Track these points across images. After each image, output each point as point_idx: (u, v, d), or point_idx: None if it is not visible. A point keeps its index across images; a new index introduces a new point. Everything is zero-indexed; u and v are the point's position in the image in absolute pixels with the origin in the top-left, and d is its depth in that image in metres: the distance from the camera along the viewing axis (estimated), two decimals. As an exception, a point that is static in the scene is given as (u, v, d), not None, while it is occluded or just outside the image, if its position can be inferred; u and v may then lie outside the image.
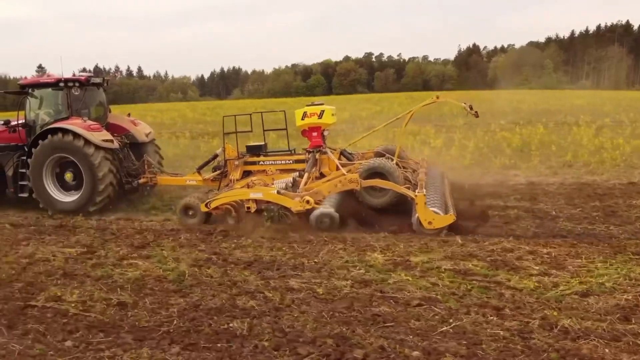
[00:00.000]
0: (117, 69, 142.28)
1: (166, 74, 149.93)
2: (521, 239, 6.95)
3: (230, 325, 4.76)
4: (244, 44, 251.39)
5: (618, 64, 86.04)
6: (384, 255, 6.42)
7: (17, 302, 5.49)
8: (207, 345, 4.41)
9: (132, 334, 4.65)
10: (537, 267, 5.87)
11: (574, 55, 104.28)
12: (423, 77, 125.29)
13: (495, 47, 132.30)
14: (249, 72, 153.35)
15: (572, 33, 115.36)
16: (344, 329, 4.58)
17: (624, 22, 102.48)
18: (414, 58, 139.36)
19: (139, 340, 4.53)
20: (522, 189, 10.11)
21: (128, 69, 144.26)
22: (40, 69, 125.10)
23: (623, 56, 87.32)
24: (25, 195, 10.07)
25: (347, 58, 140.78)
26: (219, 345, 4.41)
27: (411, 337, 4.42)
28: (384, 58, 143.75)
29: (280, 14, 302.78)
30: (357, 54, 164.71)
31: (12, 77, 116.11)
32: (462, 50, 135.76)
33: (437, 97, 8.82)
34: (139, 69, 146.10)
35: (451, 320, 4.68)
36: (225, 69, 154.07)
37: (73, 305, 5.36)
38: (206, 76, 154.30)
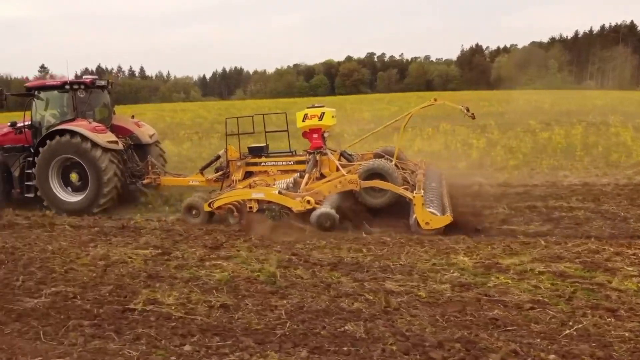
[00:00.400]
0: (119, 69, 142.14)
1: (168, 74, 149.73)
2: (602, 240, 6.90)
3: (346, 328, 4.69)
4: (245, 44, 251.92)
5: (622, 64, 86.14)
6: (471, 258, 6.35)
7: (113, 306, 5.41)
8: (333, 349, 4.34)
9: (250, 337, 4.58)
10: (630, 268, 5.82)
11: (578, 56, 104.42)
12: (426, 78, 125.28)
13: (498, 47, 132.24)
14: (251, 72, 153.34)
15: (576, 33, 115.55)
16: (465, 333, 4.51)
17: (628, 22, 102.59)
18: (416, 58, 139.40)
19: (259, 344, 4.46)
20: (579, 189, 10.05)
21: (130, 69, 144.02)
22: (43, 69, 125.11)
23: (628, 56, 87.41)
24: (31, 195, 10.30)
25: (349, 58, 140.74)
26: (344, 348, 4.34)
27: (538, 340, 4.36)
28: (386, 58, 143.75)
29: (281, 14, 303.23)
30: (359, 54, 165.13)
31: (14, 78, 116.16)
32: (465, 50, 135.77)
33: (435, 100, 8.95)
34: (141, 69, 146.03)
35: (571, 323, 4.62)
36: (227, 69, 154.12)
37: (173, 308, 5.29)
38: (208, 76, 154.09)
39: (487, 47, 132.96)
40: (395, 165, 8.73)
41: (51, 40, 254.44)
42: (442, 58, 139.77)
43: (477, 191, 10.27)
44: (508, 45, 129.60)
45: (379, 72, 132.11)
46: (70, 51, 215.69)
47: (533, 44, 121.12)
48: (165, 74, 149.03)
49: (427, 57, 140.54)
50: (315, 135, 9.14)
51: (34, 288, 6.00)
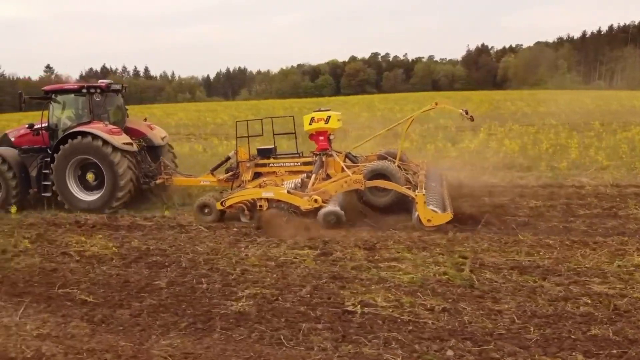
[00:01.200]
0: (124, 68, 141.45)
1: (173, 74, 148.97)
2: None
3: (593, 331, 4.61)
4: (246, 44, 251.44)
5: (632, 65, 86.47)
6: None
7: (328, 308, 5.32)
8: (604, 352, 4.26)
9: (506, 342, 4.48)
10: None
11: (586, 56, 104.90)
12: (432, 77, 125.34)
13: (504, 47, 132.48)
14: (254, 72, 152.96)
15: (584, 33, 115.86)
16: None
17: (636, 22, 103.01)
18: (419, 58, 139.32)
19: (523, 348, 4.37)
20: None
21: (135, 69, 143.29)
22: (49, 69, 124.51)
23: (638, 57, 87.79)
24: (48, 194, 10.68)
25: (353, 58, 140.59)
26: (614, 351, 4.26)
27: None
28: (390, 58, 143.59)
29: (282, 14, 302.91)
30: (363, 53, 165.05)
31: (18, 78, 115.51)
32: (470, 50, 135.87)
33: (436, 104, 9.34)
34: (146, 69, 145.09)
35: None
36: (231, 69, 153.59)
37: (391, 310, 5.20)
38: (212, 76, 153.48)
39: (492, 47, 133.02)
40: (398, 166, 9.10)
41: (55, 40, 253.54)
42: (445, 58, 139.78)
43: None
44: (513, 45, 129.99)
45: (385, 72, 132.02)
46: (75, 51, 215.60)
47: (538, 44, 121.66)
48: (170, 74, 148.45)
49: (430, 57, 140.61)
50: (321, 138, 9.55)
51: (227, 291, 5.89)
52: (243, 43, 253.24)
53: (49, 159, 10.58)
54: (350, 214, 8.48)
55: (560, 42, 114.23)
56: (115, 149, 9.99)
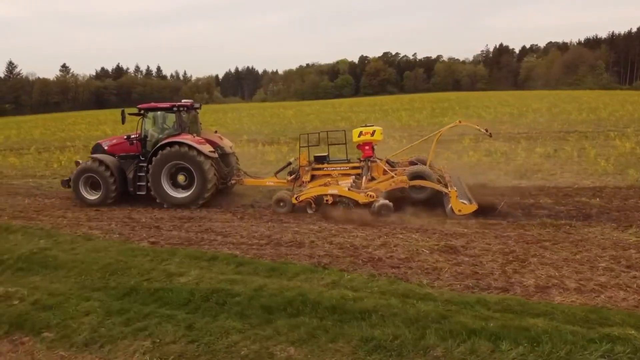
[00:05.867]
0: (136, 68, 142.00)
1: (185, 73, 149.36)
2: None
3: None
4: (250, 43, 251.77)
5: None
6: None
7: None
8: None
9: None
10: None
11: (624, 57, 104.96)
12: (454, 77, 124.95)
13: (524, 47, 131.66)
14: (260, 71, 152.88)
15: (612, 34, 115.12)
16: None
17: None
18: (428, 57, 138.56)
19: None
20: None
21: (148, 69, 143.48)
22: (65, 68, 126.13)
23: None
24: (142, 193, 12.97)
25: (363, 58, 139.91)
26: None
27: None
28: (400, 56, 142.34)
29: (282, 11, 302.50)
30: (369, 53, 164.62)
31: (39, 77, 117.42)
32: (489, 50, 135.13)
33: (460, 122, 12.09)
34: (158, 69, 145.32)
35: None
36: (240, 69, 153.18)
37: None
38: (220, 76, 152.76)
39: (507, 46, 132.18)
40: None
41: (66, 38, 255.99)
42: (453, 57, 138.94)
43: None
44: (527, 46, 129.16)
45: (405, 71, 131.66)
46: (86, 50, 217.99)
47: (550, 44, 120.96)
48: (181, 73, 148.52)
49: (438, 57, 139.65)
50: (367, 147, 11.93)
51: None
52: (247, 43, 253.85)
53: (143, 164, 12.87)
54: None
55: (591, 42, 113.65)
56: (205, 156, 12.27)
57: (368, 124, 12.23)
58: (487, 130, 11.28)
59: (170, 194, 12.62)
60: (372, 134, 11.78)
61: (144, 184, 12.88)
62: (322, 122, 35.39)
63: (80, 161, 13.97)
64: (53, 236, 9.75)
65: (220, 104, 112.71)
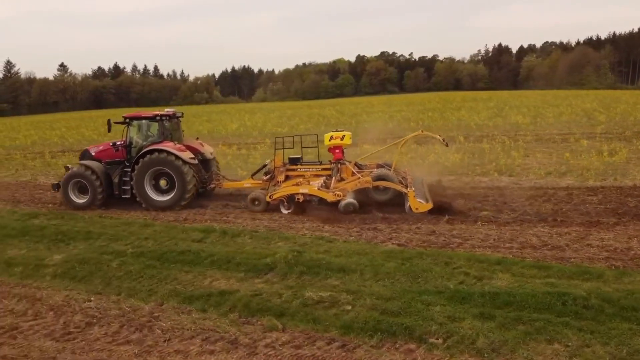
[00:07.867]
0: (134, 67, 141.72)
1: (182, 72, 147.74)
2: None
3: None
4: (245, 42, 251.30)
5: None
6: None
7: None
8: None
9: None
10: None
11: (627, 57, 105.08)
12: (455, 77, 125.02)
13: (522, 47, 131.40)
14: (255, 71, 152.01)
15: (613, 34, 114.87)
16: None
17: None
18: (424, 57, 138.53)
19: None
20: None
21: (145, 68, 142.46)
22: (62, 67, 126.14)
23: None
24: (127, 196, 13.85)
25: (360, 57, 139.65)
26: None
27: None
28: (397, 55, 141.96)
29: (280, 9, 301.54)
30: (365, 52, 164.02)
31: (36, 77, 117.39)
32: (488, 49, 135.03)
33: (422, 131, 13.37)
34: (155, 68, 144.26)
35: None
36: (236, 68, 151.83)
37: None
38: (217, 75, 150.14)
39: (505, 46, 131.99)
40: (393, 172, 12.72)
41: (64, 37, 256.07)
42: (449, 56, 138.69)
43: None
44: (525, 46, 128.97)
45: (405, 70, 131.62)
46: (84, 49, 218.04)
47: (545, 44, 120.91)
48: (179, 72, 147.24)
49: (435, 57, 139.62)
50: (337, 150, 13.11)
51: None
52: (245, 42, 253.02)
53: (127, 169, 13.75)
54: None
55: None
56: (184, 162, 13.24)
57: (339, 129, 13.36)
58: (444, 140, 12.31)
59: (153, 197, 13.56)
60: (342, 139, 12.96)
61: (128, 188, 13.78)
62: (374, 120, 38.23)
63: (70, 166, 14.78)
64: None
65: (220, 103, 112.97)
